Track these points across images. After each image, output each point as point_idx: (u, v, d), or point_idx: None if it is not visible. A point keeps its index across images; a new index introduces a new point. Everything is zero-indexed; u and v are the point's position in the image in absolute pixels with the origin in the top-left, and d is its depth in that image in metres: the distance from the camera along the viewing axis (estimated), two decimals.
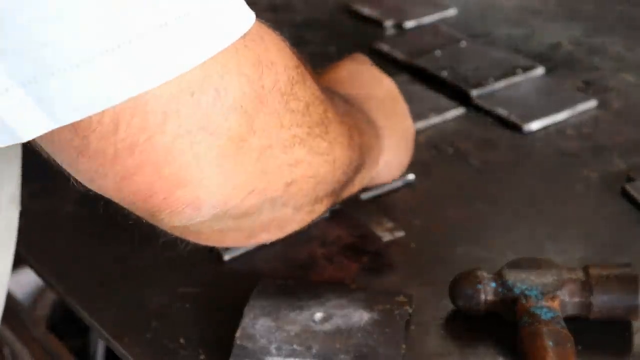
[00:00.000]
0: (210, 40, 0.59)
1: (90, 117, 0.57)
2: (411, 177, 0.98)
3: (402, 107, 0.95)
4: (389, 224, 0.91)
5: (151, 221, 0.66)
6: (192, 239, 0.74)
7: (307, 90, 0.70)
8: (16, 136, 0.57)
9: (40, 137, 0.58)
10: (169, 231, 0.71)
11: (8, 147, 0.60)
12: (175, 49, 0.57)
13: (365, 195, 0.96)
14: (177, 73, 0.58)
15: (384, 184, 0.96)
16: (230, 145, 0.62)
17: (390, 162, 0.92)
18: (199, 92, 0.59)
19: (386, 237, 0.91)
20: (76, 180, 0.63)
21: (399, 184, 0.98)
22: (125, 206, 0.64)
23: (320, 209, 0.79)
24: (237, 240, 0.76)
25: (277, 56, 0.65)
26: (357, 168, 0.82)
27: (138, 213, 0.65)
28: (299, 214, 0.76)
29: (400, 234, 0.91)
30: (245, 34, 0.61)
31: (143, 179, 0.60)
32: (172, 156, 0.59)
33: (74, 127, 0.58)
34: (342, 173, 0.78)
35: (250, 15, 0.62)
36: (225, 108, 0.60)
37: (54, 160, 0.62)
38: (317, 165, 0.72)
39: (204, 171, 0.61)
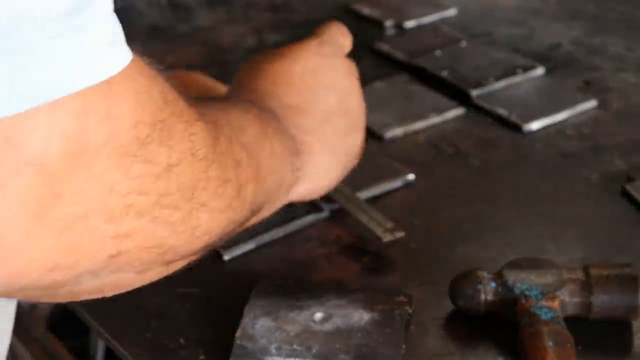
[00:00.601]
0: (18, 91, 0.50)
1: None
2: (411, 177, 0.98)
3: (352, 120, 0.88)
4: (389, 224, 0.92)
5: None
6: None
7: (173, 150, 0.59)
8: None
9: None
10: None
11: None
12: None
13: (365, 195, 0.96)
14: None
15: (386, 180, 0.95)
16: (21, 211, 0.51)
17: (311, 189, 0.86)
18: None
19: (386, 237, 0.91)
20: None
21: (399, 184, 0.98)
22: None
23: (182, 264, 0.69)
24: (66, 299, 0.63)
25: (126, 109, 0.55)
26: (246, 219, 0.74)
27: None
28: (146, 274, 0.65)
29: (400, 234, 0.91)
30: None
31: None
32: None
33: None
34: (209, 238, 0.67)
35: (112, 61, 0.53)
36: (18, 162, 0.50)
37: None
38: (163, 236, 0.61)
39: None
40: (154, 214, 0.59)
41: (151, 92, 0.57)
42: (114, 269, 0.60)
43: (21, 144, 0.50)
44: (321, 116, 0.85)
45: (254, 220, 0.80)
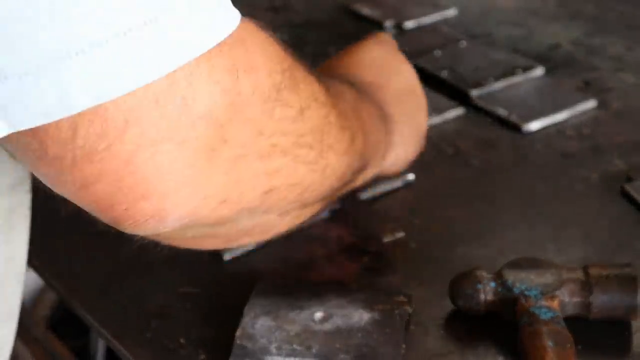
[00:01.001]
0: (178, 49, 0.56)
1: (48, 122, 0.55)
2: (411, 177, 0.98)
3: (419, 101, 0.94)
4: (389, 224, 0.91)
5: (119, 229, 0.63)
6: (165, 243, 0.71)
7: (301, 95, 0.66)
8: None
9: (2, 138, 0.57)
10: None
11: None
12: (138, 58, 0.55)
13: (365, 196, 0.96)
14: (140, 84, 0.55)
15: (386, 180, 0.95)
16: (198, 156, 0.59)
17: (398, 157, 0.91)
18: (163, 100, 0.56)
19: (386, 237, 0.91)
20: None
21: (399, 184, 0.98)
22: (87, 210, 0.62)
23: (310, 212, 0.77)
24: (215, 244, 0.74)
25: (260, 61, 0.62)
26: (358, 170, 0.81)
27: (103, 220, 0.62)
28: (285, 218, 0.74)
29: (400, 234, 0.91)
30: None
31: (103, 188, 0.58)
32: (133, 166, 0.56)
33: (32, 131, 0.56)
34: (336, 180, 0.75)
35: (232, 19, 0.59)
36: (194, 117, 0.57)
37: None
38: (302, 173, 0.69)
39: (169, 183, 0.58)
40: (294, 152, 0.67)
41: (272, 43, 0.64)
42: (265, 208, 0.68)
43: (194, 102, 0.57)
44: (395, 93, 0.90)
45: (360, 180, 0.84)
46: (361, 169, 0.81)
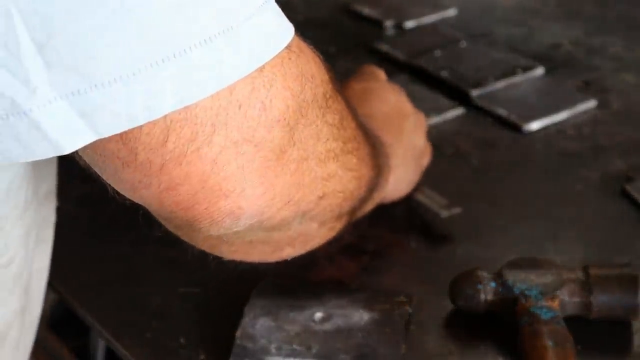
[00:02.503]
0: (256, 53, 0.60)
1: (140, 129, 0.58)
2: (457, 210, 0.98)
3: (410, 120, 0.94)
4: (445, 201, 0.92)
5: (186, 233, 0.67)
6: (220, 252, 0.74)
7: (340, 105, 0.70)
8: (59, 148, 0.57)
9: (84, 147, 0.58)
10: (197, 244, 0.72)
11: None
12: (220, 62, 0.58)
13: None
14: (222, 86, 0.58)
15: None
16: (271, 156, 0.63)
17: (399, 180, 0.91)
18: (246, 105, 0.60)
19: (386, 237, 0.91)
20: (115, 191, 0.64)
21: None
22: (162, 216, 0.65)
23: (339, 227, 0.79)
24: (263, 254, 0.76)
25: (315, 69, 0.66)
26: (375, 186, 0.82)
27: (175, 223, 0.65)
28: (323, 229, 0.76)
29: (457, 209, 0.91)
30: (288, 46, 0.62)
31: (187, 189, 0.61)
32: (217, 167, 0.60)
33: (121, 138, 0.58)
34: (366, 190, 0.78)
35: (290, 27, 0.63)
36: (270, 120, 0.61)
37: (91, 169, 0.63)
38: (347, 181, 0.73)
39: (246, 182, 0.62)
40: (342, 159, 0.71)
41: (317, 54, 0.68)
42: (314, 214, 0.71)
43: (271, 106, 0.61)
44: (383, 118, 0.91)
45: (371, 200, 0.85)
46: (376, 187, 0.83)
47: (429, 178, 0.99)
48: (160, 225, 0.96)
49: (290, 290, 0.82)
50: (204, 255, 0.90)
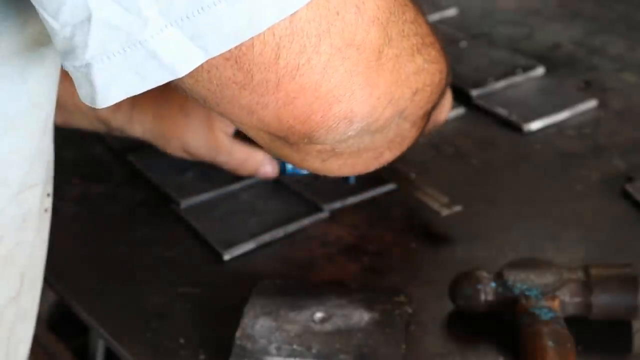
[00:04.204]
0: None
1: (252, 50, 0.61)
2: (411, 177, 0.98)
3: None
4: (445, 199, 0.92)
5: (300, 148, 0.70)
6: (332, 165, 0.75)
7: (412, 4, 0.72)
8: (174, 72, 0.60)
9: (198, 81, 0.62)
10: (308, 161, 0.73)
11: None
12: None
13: (366, 196, 0.96)
14: None
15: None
16: (372, 57, 0.65)
17: (448, 100, 0.95)
18: (343, 11, 0.63)
19: (386, 237, 0.91)
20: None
21: (395, 186, 0.98)
22: (280, 133, 0.67)
23: (422, 125, 0.81)
24: (368, 162, 0.78)
25: None
26: (448, 82, 0.84)
27: (292, 138, 0.67)
28: (413, 129, 0.78)
29: (457, 207, 0.91)
30: None
31: (303, 101, 0.64)
32: (328, 74, 0.63)
33: (236, 63, 0.61)
34: (445, 83, 0.80)
35: None
36: (366, 22, 0.64)
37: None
38: (432, 73, 0.75)
39: (354, 84, 0.65)
40: (424, 51, 0.73)
41: None
42: (408, 112, 0.73)
43: (365, 9, 0.64)
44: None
45: (438, 106, 0.87)
46: (448, 84, 0.85)
47: (429, 178, 0.99)
48: (160, 225, 0.96)
49: (290, 290, 0.82)
50: (204, 255, 0.90)
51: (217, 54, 0.60)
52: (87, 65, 0.59)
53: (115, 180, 1.01)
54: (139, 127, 0.97)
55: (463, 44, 1.22)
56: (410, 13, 0.71)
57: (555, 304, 0.79)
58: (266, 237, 0.91)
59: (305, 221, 0.93)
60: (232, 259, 0.90)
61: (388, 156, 0.79)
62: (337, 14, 0.63)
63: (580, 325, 0.79)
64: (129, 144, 1.02)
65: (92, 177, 1.02)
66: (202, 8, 0.59)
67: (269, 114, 0.65)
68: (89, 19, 0.58)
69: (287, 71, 0.62)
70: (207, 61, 0.60)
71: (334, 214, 0.94)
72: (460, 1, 1.34)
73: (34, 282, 0.80)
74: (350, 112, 0.66)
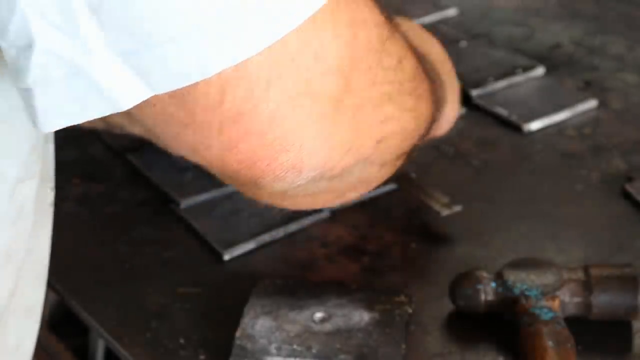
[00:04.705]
0: (305, 2, 0.59)
1: (196, 90, 0.59)
2: (411, 177, 0.98)
3: (451, 67, 0.96)
4: (445, 199, 0.92)
5: (250, 190, 0.68)
6: (286, 205, 0.75)
7: (398, 45, 0.70)
8: (116, 105, 0.58)
9: (143, 111, 0.60)
10: (261, 200, 0.72)
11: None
12: (269, 17, 0.58)
13: (365, 195, 0.96)
14: (273, 40, 0.58)
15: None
16: (328, 106, 0.63)
17: (447, 116, 0.93)
18: (299, 57, 0.60)
19: (386, 237, 0.91)
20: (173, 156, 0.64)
21: (395, 186, 0.98)
22: (226, 176, 0.66)
23: (399, 164, 0.79)
24: (327, 201, 0.77)
25: (367, 13, 0.65)
26: (434, 120, 0.83)
27: (239, 182, 0.66)
28: (383, 170, 0.76)
29: (457, 207, 0.91)
30: None
31: (247, 147, 0.62)
32: (276, 122, 0.61)
33: (179, 100, 0.59)
34: (425, 127, 0.78)
35: None
36: (324, 71, 0.62)
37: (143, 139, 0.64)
38: (405, 121, 0.73)
39: (305, 134, 0.63)
40: (399, 100, 0.70)
41: None
42: (374, 158, 0.71)
43: (324, 56, 0.61)
44: (438, 52, 0.94)
45: (431, 133, 0.85)
46: (435, 121, 0.84)
47: (429, 177, 0.99)
48: (160, 225, 0.96)
49: (290, 290, 0.82)
50: (204, 255, 0.90)
51: (163, 92, 0.58)
52: (28, 90, 0.58)
53: (115, 180, 1.01)
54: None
55: (463, 44, 1.22)
56: (390, 59, 0.69)
57: (555, 304, 0.79)
58: (266, 237, 0.91)
59: (305, 221, 0.93)
60: (232, 259, 0.90)
61: (352, 196, 0.77)
62: (292, 60, 0.60)
63: (580, 325, 0.79)
64: (129, 143, 1.02)
65: (91, 176, 1.02)
66: (149, 45, 0.56)
67: (212, 156, 0.63)
68: (31, 45, 0.56)
69: (231, 115, 0.60)
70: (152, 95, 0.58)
71: (334, 214, 0.94)
72: (460, 1, 1.34)
73: (36, 277, 0.79)
74: (299, 162, 0.63)
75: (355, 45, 0.63)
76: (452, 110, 0.94)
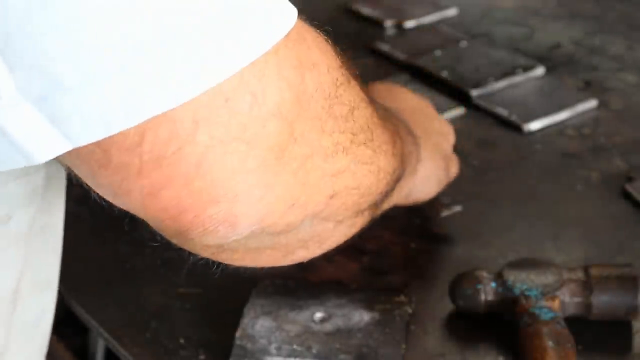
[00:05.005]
0: (246, 45, 0.54)
1: None
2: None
3: (436, 124, 0.93)
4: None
5: (181, 242, 0.61)
6: (224, 259, 0.67)
7: (352, 93, 0.64)
8: (30, 158, 0.53)
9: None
10: (199, 252, 0.65)
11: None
12: (203, 61, 0.53)
13: None
14: (208, 86, 0.53)
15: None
16: (268, 155, 0.57)
17: (428, 177, 0.88)
18: (233, 98, 0.54)
19: (386, 237, 0.91)
20: (99, 195, 0.59)
21: None
22: (153, 225, 0.60)
23: (361, 222, 0.73)
24: (273, 259, 0.70)
25: (319, 57, 0.61)
26: (398, 177, 0.77)
27: (167, 233, 0.60)
28: (340, 228, 0.70)
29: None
30: (286, 34, 0.56)
31: (171, 194, 0.55)
32: (203, 169, 0.54)
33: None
34: (386, 183, 0.72)
35: (292, 12, 0.58)
36: (263, 114, 0.55)
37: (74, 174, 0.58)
38: (361, 175, 0.67)
39: (239, 185, 0.56)
40: (354, 152, 0.64)
41: (325, 40, 0.63)
42: (327, 214, 0.65)
43: (263, 98, 0.55)
44: (411, 111, 0.89)
45: (396, 194, 0.80)
46: (400, 176, 0.78)
47: None
48: None
49: (290, 290, 0.82)
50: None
51: (83, 144, 0.52)
52: None
53: None
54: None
55: (463, 44, 1.22)
56: (342, 106, 0.62)
57: (555, 304, 0.79)
58: None
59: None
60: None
61: (304, 254, 0.70)
62: (226, 101, 0.54)
63: (580, 325, 0.79)
64: None
65: None
66: (63, 89, 0.50)
67: (133, 202, 0.56)
68: None
69: (152, 157, 0.53)
70: None
71: None
72: (460, 1, 1.34)
73: (52, 251, 0.77)
74: (232, 216, 0.56)
75: (301, 90, 0.58)
76: (433, 170, 0.89)
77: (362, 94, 0.67)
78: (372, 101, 0.72)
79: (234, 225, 0.57)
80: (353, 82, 0.66)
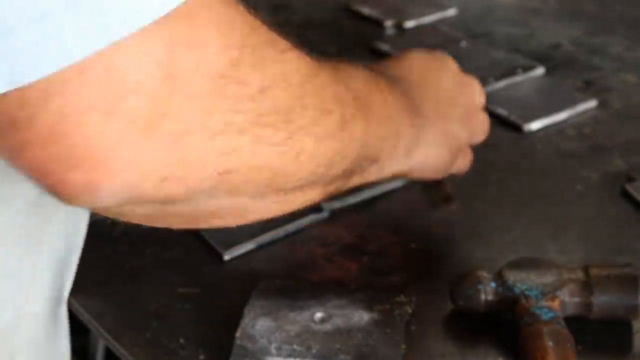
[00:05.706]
0: (105, 26, 0.56)
1: None
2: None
3: (458, 112, 0.92)
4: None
5: (66, 203, 0.63)
6: (131, 219, 0.70)
7: (265, 73, 0.64)
8: None
9: None
10: (100, 213, 0.68)
11: None
12: (62, 38, 0.55)
13: (365, 195, 0.96)
14: (61, 65, 0.55)
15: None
16: (132, 129, 0.58)
17: (428, 160, 0.88)
18: (88, 72, 0.56)
19: (386, 237, 0.91)
20: None
21: (399, 183, 0.98)
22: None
23: (303, 199, 0.74)
24: (179, 223, 0.72)
25: (212, 36, 0.61)
26: (363, 159, 0.78)
27: (48, 193, 0.62)
28: (262, 203, 0.71)
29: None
30: (167, 13, 0.58)
31: (32, 156, 0.58)
32: (56, 136, 0.57)
33: None
34: (317, 165, 0.71)
35: None
36: (121, 88, 0.57)
37: None
38: (267, 156, 0.66)
39: (98, 154, 0.58)
40: (254, 132, 0.64)
41: (234, 20, 0.62)
42: (228, 188, 0.66)
43: (119, 72, 0.57)
44: (433, 94, 0.89)
45: (375, 173, 0.81)
46: (368, 159, 0.79)
47: None
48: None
49: (290, 291, 0.82)
50: (204, 255, 0.90)
51: None
52: None
53: None
54: None
55: (463, 44, 1.22)
56: (240, 87, 0.63)
57: (555, 304, 0.79)
58: (266, 237, 0.91)
59: (305, 221, 0.93)
60: (232, 259, 0.90)
61: (219, 222, 0.71)
62: (80, 73, 0.56)
63: (580, 325, 0.79)
64: None
65: None
66: None
67: (5, 158, 0.60)
68: None
69: (6, 121, 0.57)
70: None
71: (334, 214, 0.94)
72: (460, 1, 1.34)
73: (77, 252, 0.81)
74: (92, 182, 0.59)
75: (173, 67, 0.59)
76: (433, 157, 0.89)
77: (290, 74, 0.67)
78: (337, 79, 0.72)
79: (94, 191, 0.59)
80: (278, 62, 0.65)
